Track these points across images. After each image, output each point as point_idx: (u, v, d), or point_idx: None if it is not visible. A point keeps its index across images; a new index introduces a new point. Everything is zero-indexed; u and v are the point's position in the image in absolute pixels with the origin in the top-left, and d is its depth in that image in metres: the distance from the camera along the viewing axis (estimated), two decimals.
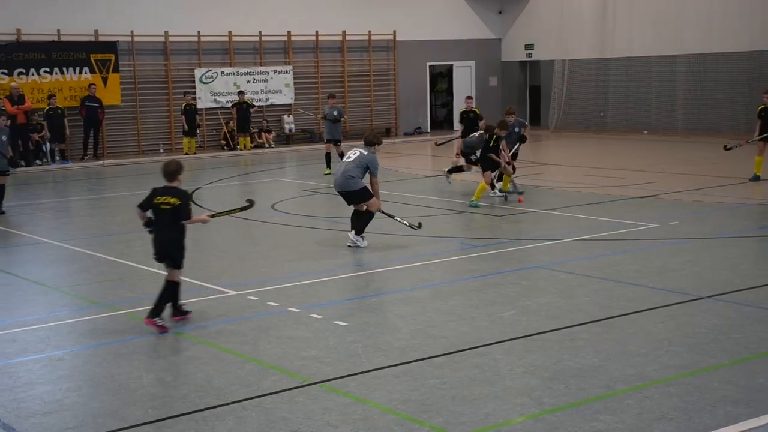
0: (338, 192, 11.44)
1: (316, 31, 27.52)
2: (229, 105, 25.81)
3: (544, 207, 14.01)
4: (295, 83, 27.29)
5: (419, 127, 30.24)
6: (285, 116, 27.46)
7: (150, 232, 8.08)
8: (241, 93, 25.49)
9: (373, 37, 28.65)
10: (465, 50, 30.81)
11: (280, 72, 27.03)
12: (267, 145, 26.34)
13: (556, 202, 14.33)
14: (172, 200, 7.86)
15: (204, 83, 25.78)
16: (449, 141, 19.21)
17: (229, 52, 26.29)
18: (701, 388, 6.04)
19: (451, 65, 30.97)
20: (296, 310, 8.35)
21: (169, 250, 8.00)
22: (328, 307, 8.49)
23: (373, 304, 8.55)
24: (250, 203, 9.15)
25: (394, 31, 28.95)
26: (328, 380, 6.45)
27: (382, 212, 11.54)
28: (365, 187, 11.22)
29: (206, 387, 6.40)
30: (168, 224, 7.92)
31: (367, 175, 11.26)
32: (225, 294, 9.11)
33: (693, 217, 12.83)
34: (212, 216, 8.75)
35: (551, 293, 8.79)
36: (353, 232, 11.25)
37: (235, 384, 6.44)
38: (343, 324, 7.87)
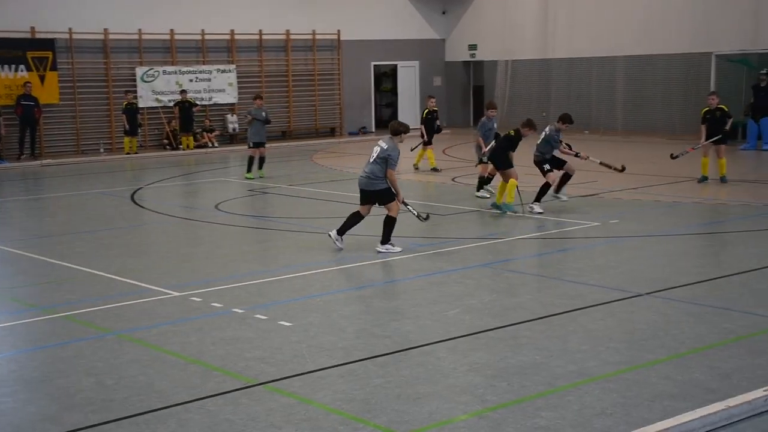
0: (363, 190, 10.92)
1: (260, 30, 27.36)
2: (172, 104, 25.52)
3: (487, 206, 14.12)
4: (238, 82, 27.09)
5: (364, 127, 30.26)
6: (228, 115, 27.25)
7: None
8: (183, 92, 25.21)
9: (317, 37, 28.59)
10: (409, 50, 30.93)
11: (223, 71, 26.81)
12: (210, 145, 26.11)
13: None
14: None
15: (145, 82, 25.44)
16: (419, 145, 19.32)
17: (171, 51, 25.99)
18: (640, 384, 6.16)
19: (396, 65, 31.06)
20: (240, 311, 8.30)
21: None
22: (273, 308, 8.45)
23: (317, 304, 8.53)
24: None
25: (339, 31, 28.93)
26: (273, 381, 6.42)
27: (402, 203, 11.02)
28: (389, 188, 10.77)
29: (148, 390, 6.32)
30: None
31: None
32: (167, 295, 9.00)
33: (632, 215, 13.07)
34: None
35: (494, 292, 8.88)
36: (381, 245, 10.80)
37: (177, 386, 6.37)
38: (288, 324, 7.84)
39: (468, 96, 32.26)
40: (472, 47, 31.09)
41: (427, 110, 19.69)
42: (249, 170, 18.71)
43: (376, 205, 11.00)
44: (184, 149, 25.14)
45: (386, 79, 31.96)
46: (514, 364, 6.64)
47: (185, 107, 25.09)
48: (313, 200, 15.71)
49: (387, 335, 7.48)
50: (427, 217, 11.45)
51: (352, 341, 7.34)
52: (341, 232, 11.02)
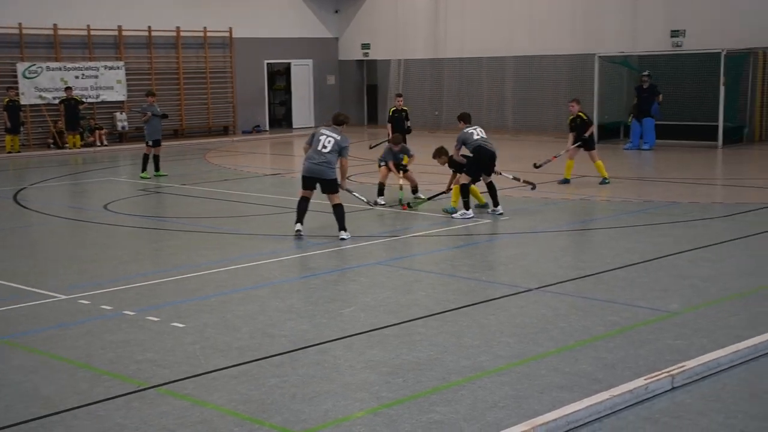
0: (312, 177, 11.39)
1: (149, 27, 26.78)
2: (56, 101, 24.69)
3: (383, 205, 14.21)
4: (127, 80, 26.44)
5: (258, 126, 30.01)
6: (117, 113, 26.56)
7: None
8: (68, 89, 24.44)
9: (208, 34, 28.18)
10: (302, 48, 30.85)
11: (111, 68, 26.11)
12: (99, 144, 25.40)
13: (395, 200, 14.57)
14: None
15: (27, 78, 24.54)
16: (381, 143, 17.90)
17: (54, 46, 25.15)
18: (530, 376, 6.33)
19: (289, 63, 30.92)
20: (131, 313, 8.11)
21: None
22: (166, 309, 8.29)
23: (212, 305, 8.42)
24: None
25: (231, 28, 28.59)
26: (165, 383, 6.30)
27: (346, 190, 11.84)
28: (337, 179, 11.40)
29: (33, 396, 6.11)
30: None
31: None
32: (54, 299, 8.72)
33: (523, 212, 13.39)
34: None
35: (389, 289, 8.95)
36: (342, 232, 11.39)
37: (65, 392, 6.19)
38: (181, 325, 7.72)
39: (362, 95, 32.41)
40: (365, 46, 31.25)
41: (393, 108, 18.71)
42: (144, 169, 18.28)
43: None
44: (70, 148, 24.37)
45: (279, 78, 31.78)
46: (410, 360, 6.72)
47: (71, 105, 24.32)
48: (207, 199, 15.48)
49: (283, 334, 7.45)
50: (375, 204, 11.96)
51: (247, 341, 7.28)
52: (300, 221, 11.49)
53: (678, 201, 14.01)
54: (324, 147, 11.29)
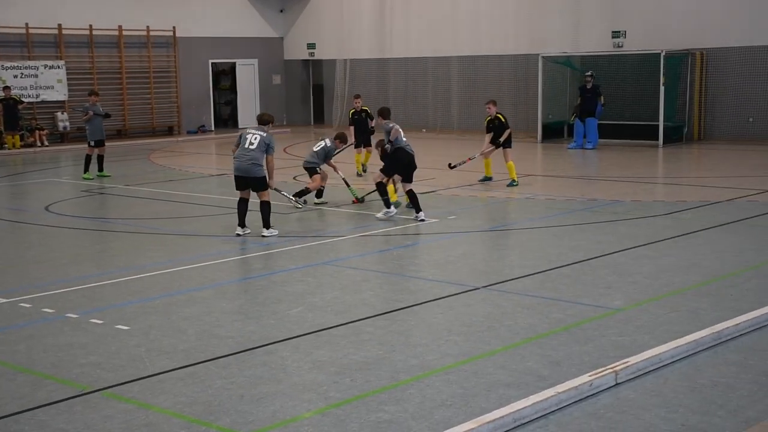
0: (241, 176, 11.52)
1: (90, 25, 26.34)
2: None
3: (328, 204, 14.20)
4: (68, 79, 25.97)
5: (203, 126, 29.73)
6: (59, 113, 26.08)
7: None
8: (6, 88, 23.91)
9: (151, 33, 27.82)
10: (248, 48, 30.64)
11: (51, 67, 25.62)
12: (39, 144, 24.90)
13: (341, 199, 14.57)
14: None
15: None
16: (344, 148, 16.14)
17: None
18: (478, 374, 6.38)
19: (234, 63, 30.69)
20: (74, 316, 7.97)
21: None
22: (110, 311, 8.17)
23: (157, 307, 8.32)
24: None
25: (174, 28, 28.27)
26: (110, 387, 6.21)
27: (275, 189, 12.11)
28: (265, 177, 11.50)
29: None
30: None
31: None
32: None
33: (469, 211, 13.49)
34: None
35: (337, 289, 8.94)
36: (265, 230, 11.52)
37: (5, 397, 6.05)
38: (126, 328, 7.61)
39: (308, 94, 32.32)
40: (311, 46, 31.17)
41: (352, 110, 17.99)
42: (87, 170, 18.01)
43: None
44: (9, 148, 23.85)
45: (225, 77, 31.52)
46: (357, 360, 6.72)
47: (9, 104, 23.81)
48: (151, 200, 15.28)
49: (229, 336, 7.39)
50: (305, 203, 12.17)
51: (194, 343, 7.21)
52: (242, 224, 11.60)
53: (620, 199, 14.24)
54: (251, 144, 11.45)
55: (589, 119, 22.62)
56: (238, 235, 11.53)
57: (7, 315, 8.10)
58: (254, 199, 11.65)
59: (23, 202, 15.99)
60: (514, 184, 15.93)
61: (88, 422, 5.61)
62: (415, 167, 12.92)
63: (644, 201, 14.15)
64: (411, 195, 12.77)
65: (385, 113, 13.69)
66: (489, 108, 16.24)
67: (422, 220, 12.52)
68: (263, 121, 11.89)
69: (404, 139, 12.87)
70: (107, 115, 18.67)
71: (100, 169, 18.21)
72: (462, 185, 15.93)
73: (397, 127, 12.96)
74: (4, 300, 8.58)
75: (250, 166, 11.45)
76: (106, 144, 18.79)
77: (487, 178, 16.38)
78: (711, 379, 6.25)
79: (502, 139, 16.05)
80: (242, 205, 11.67)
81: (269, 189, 11.65)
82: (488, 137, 16.27)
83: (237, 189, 11.74)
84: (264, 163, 11.50)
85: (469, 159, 16.39)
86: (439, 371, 6.45)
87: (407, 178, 12.85)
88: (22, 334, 7.48)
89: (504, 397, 5.87)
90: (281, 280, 9.38)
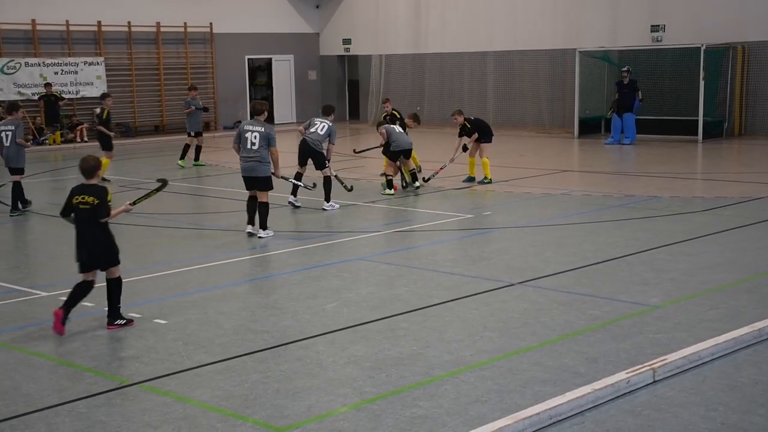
0: (249, 177, 11.41)
1: (129, 22, 26.61)
2: (36, 97, 24.49)
3: (364, 200, 14.23)
4: (107, 75, 26.27)
5: (239, 121, 29.81)
6: (97, 110, 26.33)
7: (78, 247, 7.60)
8: (48, 85, 24.25)
9: (189, 29, 28.03)
10: (284, 44, 30.75)
11: (90, 63, 25.93)
12: (79, 140, 25.22)
13: (376, 195, 14.59)
14: (90, 199, 7.39)
15: (6, 74, 24.34)
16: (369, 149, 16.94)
17: (33, 42, 24.94)
18: (513, 370, 6.35)
19: (270, 59, 30.82)
20: None
21: (99, 251, 7.48)
22: (148, 305, 8.26)
23: (194, 301, 8.40)
24: (163, 182, 8.52)
25: (211, 24, 28.46)
26: (148, 380, 6.28)
27: (282, 177, 12.06)
28: (269, 177, 11.38)
29: (14, 394, 6.07)
30: (90, 223, 7.43)
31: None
32: (35, 296, 8.67)
33: (504, 207, 13.44)
34: (133, 203, 7.99)
35: (372, 284, 8.96)
36: (262, 231, 11.31)
37: (46, 389, 6.15)
38: (163, 322, 7.69)
39: (343, 90, 32.36)
40: (347, 41, 31.20)
41: (384, 114, 17.79)
42: (183, 157, 19.42)
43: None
44: (50, 144, 24.19)
45: (261, 73, 31.67)
46: (392, 355, 6.73)
47: (51, 101, 24.13)
48: (189, 195, 15.41)
49: (265, 330, 7.44)
50: (314, 186, 12.24)
51: (230, 337, 7.27)
52: (251, 222, 11.44)
53: (658, 195, 14.09)
54: (252, 144, 11.26)
55: (626, 114, 22.42)
56: (250, 233, 11.37)
57: (47, 308, 8.21)
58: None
59: (63, 198, 16.16)
60: (486, 181, 15.62)
61: (127, 415, 5.68)
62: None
63: (683, 197, 13.98)
64: (326, 182, 13.49)
65: (327, 110, 14.12)
66: (456, 119, 15.86)
67: (325, 210, 13.16)
68: (257, 111, 11.57)
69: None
70: (205, 109, 20.26)
71: (196, 159, 19.52)
72: (498, 181, 15.85)
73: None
74: (45, 294, 8.71)
75: (255, 164, 11.27)
76: (143, 139, 19.16)
77: (471, 179, 15.91)
78: (751, 377, 6.16)
79: (469, 143, 15.75)
80: (251, 203, 11.49)
81: (278, 177, 11.63)
82: (459, 141, 15.86)
83: (247, 189, 11.59)
84: (268, 159, 11.33)
85: (441, 169, 15.77)
86: (474, 367, 6.43)
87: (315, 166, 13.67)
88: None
89: (540, 394, 5.84)
90: (316, 275, 9.41)
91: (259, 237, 11.26)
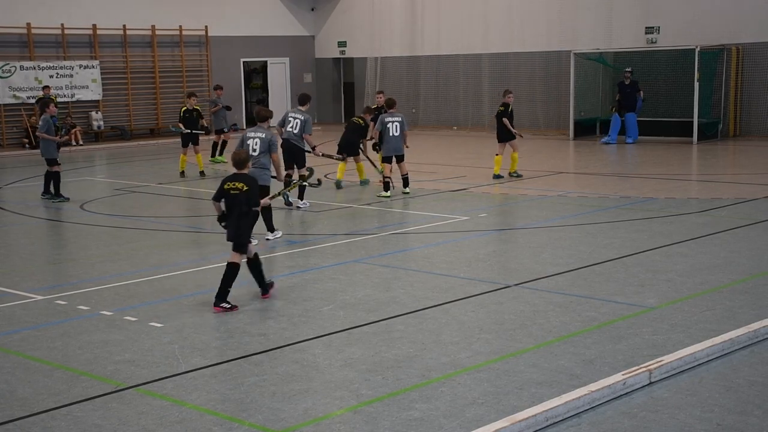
0: None
1: (124, 25, 26.58)
2: (32, 101, 24.45)
3: (360, 202, 14.23)
4: (102, 78, 26.24)
5: (235, 124, 29.75)
6: (93, 113, 26.35)
7: (224, 227, 8.41)
8: (46, 88, 24.19)
9: (184, 32, 28.02)
10: (279, 47, 30.75)
11: (85, 67, 25.90)
12: (74, 143, 25.18)
13: (371, 197, 14.59)
14: (240, 185, 8.30)
15: (1, 78, 24.30)
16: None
17: (28, 45, 24.91)
18: (509, 372, 6.35)
19: (266, 62, 30.82)
20: (109, 313, 8.06)
21: (236, 234, 8.31)
22: (143, 309, 8.25)
23: (189, 304, 8.39)
24: (310, 171, 9.70)
25: (206, 27, 28.44)
26: (144, 384, 6.27)
27: (286, 182, 12.19)
28: (269, 186, 11.26)
29: (10, 398, 6.06)
30: (239, 207, 8.28)
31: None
32: (30, 299, 8.65)
33: (500, 209, 13.44)
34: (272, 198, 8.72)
35: (368, 287, 8.95)
36: (270, 233, 11.36)
37: (42, 393, 6.14)
38: (159, 325, 7.68)
39: (339, 93, 32.36)
40: (342, 44, 31.21)
41: (375, 106, 17.62)
42: (215, 154, 20.49)
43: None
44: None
45: (256, 76, 31.66)
46: (389, 357, 6.72)
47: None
48: (183, 198, 15.40)
49: (261, 333, 7.43)
50: (319, 183, 12.24)
51: (226, 341, 7.26)
52: (269, 228, 11.40)
53: (654, 197, 14.11)
54: (253, 151, 11.23)
55: (628, 114, 22.63)
56: (267, 239, 11.39)
57: (43, 312, 8.21)
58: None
59: (63, 202, 16.15)
60: (515, 175, 16.35)
61: (123, 418, 5.67)
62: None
63: (678, 198, 14.00)
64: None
65: (303, 100, 14.31)
66: (509, 97, 16.43)
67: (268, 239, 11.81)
68: (261, 118, 11.56)
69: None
70: (228, 108, 21.10)
71: (220, 154, 20.37)
72: (494, 183, 15.85)
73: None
74: (41, 297, 8.70)
75: (256, 171, 11.05)
76: (140, 143, 19.21)
77: (517, 174, 16.36)
78: (747, 378, 6.17)
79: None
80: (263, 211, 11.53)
81: (265, 201, 11.18)
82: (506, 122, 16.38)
83: None
84: (270, 166, 11.31)
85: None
86: (470, 369, 6.43)
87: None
88: (58, 331, 7.58)
89: (536, 396, 5.84)
90: (312, 278, 9.41)
91: (267, 239, 11.28)
